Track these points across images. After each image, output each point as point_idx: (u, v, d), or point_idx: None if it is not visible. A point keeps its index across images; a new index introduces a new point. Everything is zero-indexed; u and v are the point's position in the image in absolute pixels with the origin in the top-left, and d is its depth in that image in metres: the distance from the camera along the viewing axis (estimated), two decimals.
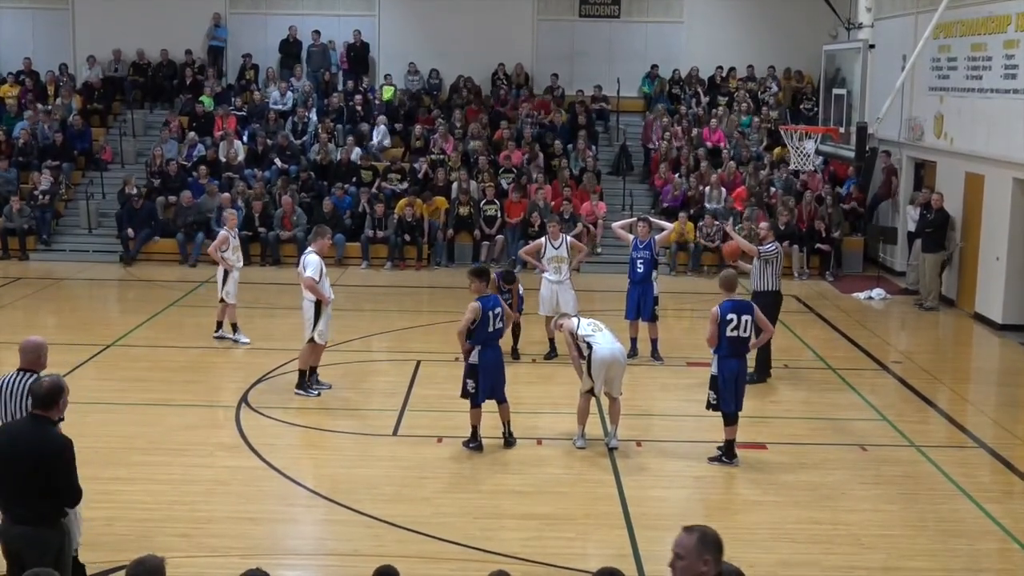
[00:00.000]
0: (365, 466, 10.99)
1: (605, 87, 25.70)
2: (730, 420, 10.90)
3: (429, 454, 11.11)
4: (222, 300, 15.24)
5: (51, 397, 6.71)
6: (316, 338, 12.84)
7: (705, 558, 4.81)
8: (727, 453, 10.96)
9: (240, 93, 25.91)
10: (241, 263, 15.41)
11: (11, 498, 6.64)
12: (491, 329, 10.91)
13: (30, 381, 7.24)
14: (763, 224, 14.38)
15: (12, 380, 7.46)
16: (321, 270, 12.79)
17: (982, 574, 9.00)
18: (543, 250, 14.79)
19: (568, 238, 15.01)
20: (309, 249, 13.05)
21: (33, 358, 7.53)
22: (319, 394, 12.95)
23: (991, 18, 17.37)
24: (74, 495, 6.78)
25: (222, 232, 15.37)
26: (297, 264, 20.85)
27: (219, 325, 15.37)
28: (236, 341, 15.21)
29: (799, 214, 21.62)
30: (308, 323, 12.84)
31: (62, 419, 7.48)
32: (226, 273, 15.06)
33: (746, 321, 10.81)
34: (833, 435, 12.01)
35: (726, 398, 10.83)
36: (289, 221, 21.46)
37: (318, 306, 12.78)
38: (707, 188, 22.49)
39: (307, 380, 12.97)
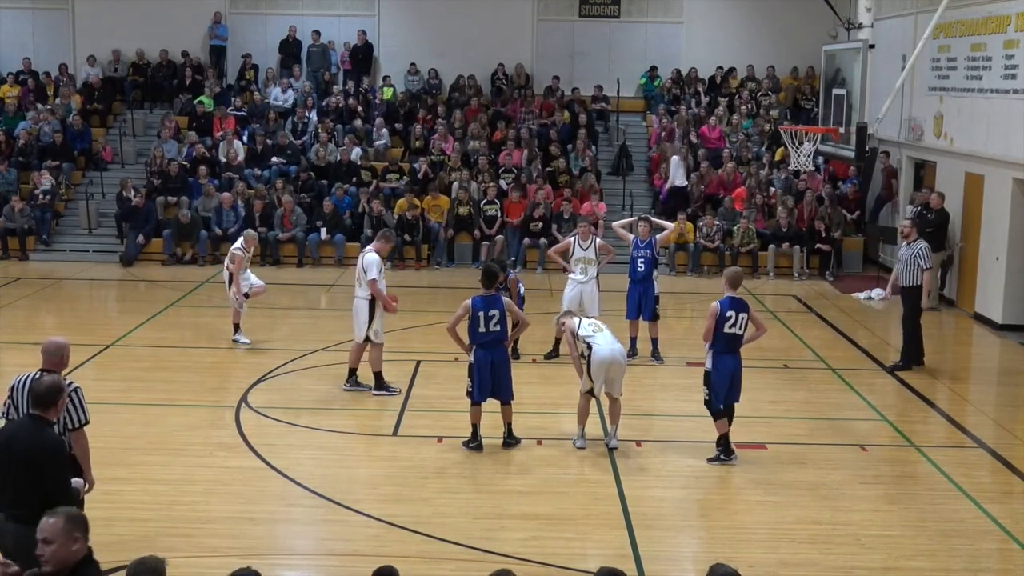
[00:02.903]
0: (365, 466, 11.01)
1: (605, 87, 25.71)
2: (719, 415, 10.95)
3: (429, 454, 11.11)
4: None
5: (49, 397, 6.70)
6: (372, 337, 12.82)
7: (75, 536, 4.93)
8: (724, 450, 10.99)
9: (240, 93, 25.91)
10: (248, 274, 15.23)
11: (6, 497, 6.65)
12: (482, 329, 10.90)
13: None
14: (905, 221, 14.89)
15: (35, 380, 7.42)
16: (380, 269, 12.79)
17: (982, 574, 9.01)
18: (571, 250, 14.72)
19: (598, 240, 14.88)
20: (369, 248, 12.98)
21: (56, 359, 7.54)
22: (399, 391, 12.97)
23: (991, 18, 17.37)
24: (68, 497, 6.73)
25: (239, 254, 14.83)
26: (298, 263, 21.14)
27: (236, 328, 15.25)
28: (236, 341, 15.19)
29: (799, 214, 21.65)
30: (362, 323, 12.81)
31: (87, 421, 7.49)
32: (231, 276, 15.00)
33: (743, 319, 10.86)
34: (833, 435, 12.01)
35: (718, 394, 10.89)
36: (289, 221, 21.48)
37: (372, 305, 12.77)
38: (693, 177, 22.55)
39: (378, 380, 12.99)
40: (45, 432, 6.67)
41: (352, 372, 13.09)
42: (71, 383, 7.48)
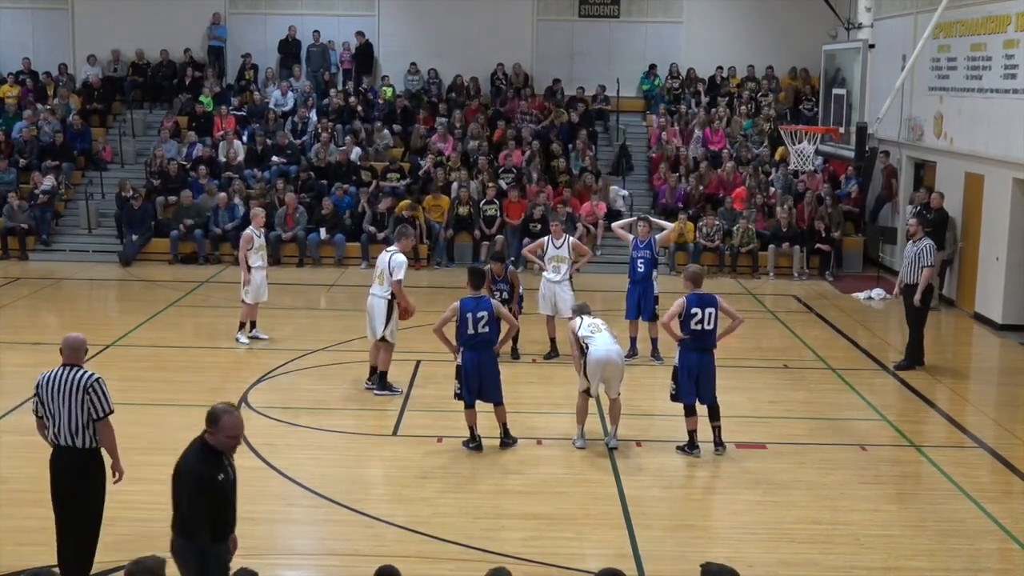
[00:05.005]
0: (365, 466, 11.02)
1: (605, 87, 25.70)
2: (689, 411, 11.07)
3: (429, 454, 11.11)
4: (243, 300, 15.20)
5: (208, 419, 6.79)
6: (388, 337, 12.82)
7: None
8: (689, 445, 11.12)
9: (239, 93, 25.92)
10: (265, 262, 15.26)
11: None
12: (470, 331, 10.90)
13: (76, 375, 7.70)
14: (911, 220, 15.31)
15: (58, 375, 7.77)
16: (405, 271, 12.82)
17: (982, 574, 9.01)
18: (545, 248, 14.81)
19: (571, 239, 15.04)
20: (393, 248, 12.94)
21: (80, 353, 7.92)
22: (402, 392, 12.99)
23: (991, 18, 17.37)
24: (185, 522, 6.63)
25: (247, 231, 15.24)
26: (299, 263, 21.13)
27: (241, 326, 15.28)
28: (237, 340, 15.19)
29: (799, 214, 21.65)
30: (379, 322, 12.79)
31: (111, 411, 7.77)
32: (248, 271, 15.00)
33: (710, 314, 10.97)
34: (833, 435, 12.00)
35: (684, 390, 10.99)
36: (292, 220, 21.47)
37: (391, 305, 12.75)
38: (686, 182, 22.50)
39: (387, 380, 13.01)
40: (191, 454, 6.77)
41: (373, 370, 13.09)
42: (93, 374, 7.79)
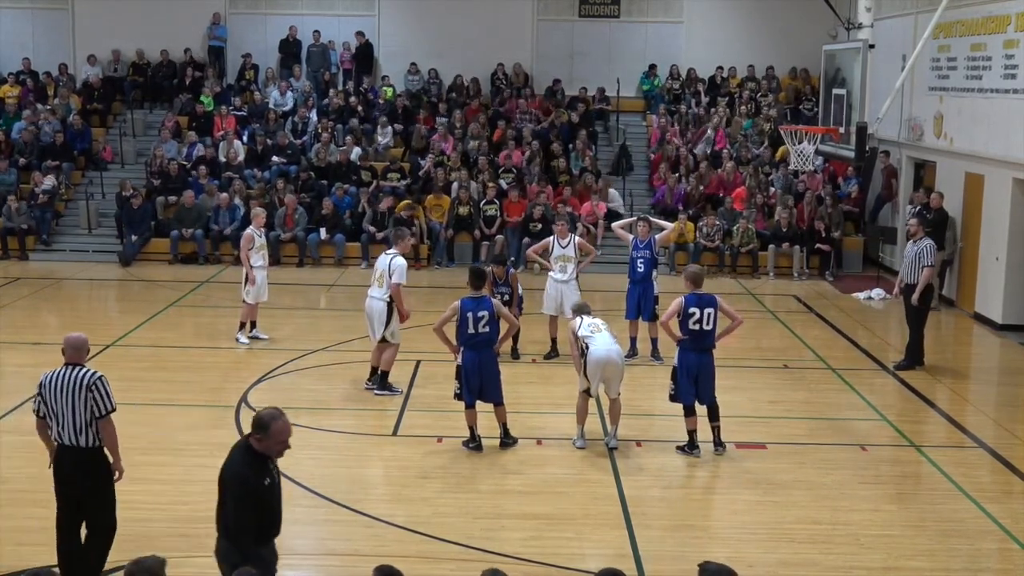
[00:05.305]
0: (365, 466, 11.02)
1: (605, 87, 25.71)
2: (689, 411, 11.09)
3: (429, 454, 11.12)
4: (244, 300, 15.21)
5: (255, 424, 6.76)
6: (389, 338, 12.83)
7: None
8: (689, 445, 11.13)
9: (240, 93, 25.92)
10: (265, 262, 15.29)
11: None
12: (471, 331, 10.91)
13: (78, 374, 7.76)
14: (912, 220, 15.42)
15: (61, 374, 7.83)
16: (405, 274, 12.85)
17: (982, 574, 9.01)
18: (551, 248, 14.80)
19: (576, 238, 15.03)
20: (393, 251, 12.94)
21: (82, 352, 8.01)
22: (402, 392, 13.01)
23: (991, 18, 17.38)
24: (230, 527, 6.57)
25: (248, 231, 15.26)
26: (299, 263, 21.13)
27: (241, 326, 15.30)
28: (237, 340, 15.20)
29: (799, 214, 21.65)
30: (379, 325, 12.80)
31: (113, 408, 7.83)
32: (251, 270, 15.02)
33: (708, 314, 10.97)
34: (833, 435, 12.01)
35: (683, 390, 11.02)
36: (292, 220, 21.46)
37: (390, 307, 12.77)
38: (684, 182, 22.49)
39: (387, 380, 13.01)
40: (236, 457, 6.71)
41: (374, 371, 13.10)
42: (96, 372, 7.85)
